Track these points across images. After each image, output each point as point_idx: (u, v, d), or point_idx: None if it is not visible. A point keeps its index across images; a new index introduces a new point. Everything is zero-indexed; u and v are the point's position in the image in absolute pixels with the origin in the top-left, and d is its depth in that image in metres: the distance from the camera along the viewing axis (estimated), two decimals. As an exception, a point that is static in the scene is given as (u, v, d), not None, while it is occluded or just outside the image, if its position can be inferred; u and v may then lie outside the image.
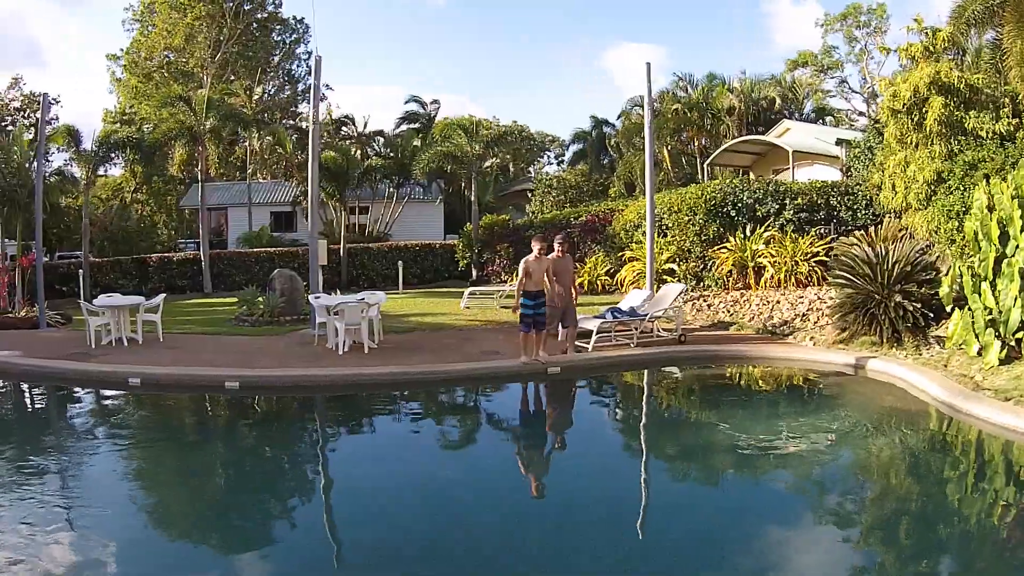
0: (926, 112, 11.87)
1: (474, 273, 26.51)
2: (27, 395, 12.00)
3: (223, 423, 10.37)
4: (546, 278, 12.03)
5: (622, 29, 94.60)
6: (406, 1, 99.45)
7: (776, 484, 7.13)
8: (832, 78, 44.29)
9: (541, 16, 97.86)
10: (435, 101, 38.31)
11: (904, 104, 12.12)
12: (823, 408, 10.05)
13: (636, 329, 13.30)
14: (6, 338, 14.93)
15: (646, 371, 12.39)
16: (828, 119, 38.22)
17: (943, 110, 11.64)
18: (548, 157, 61.16)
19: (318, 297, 14.29)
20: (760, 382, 11.78)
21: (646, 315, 13.50)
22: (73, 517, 6.21)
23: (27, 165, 21.09)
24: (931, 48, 12.58)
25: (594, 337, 12.78)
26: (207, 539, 6.08)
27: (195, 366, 11.93)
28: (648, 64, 16.97)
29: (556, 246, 12.40)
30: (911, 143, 12.49)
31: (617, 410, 10.82)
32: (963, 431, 8.39)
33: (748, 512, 6.30)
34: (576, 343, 12.85)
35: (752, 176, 26.98)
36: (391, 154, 35.38)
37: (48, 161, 25.74)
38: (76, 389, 11.79)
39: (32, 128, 31.36)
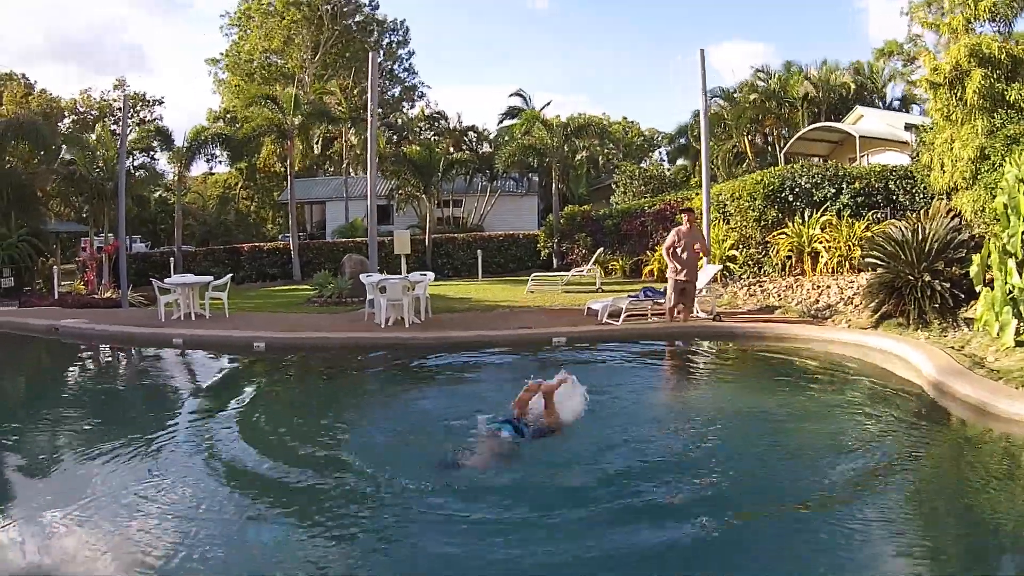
0: (967, 85, 11.34)
1: (555, 262, 26.92)
2: (75, 350, 13.58)
3: (225, 371, 11.62)
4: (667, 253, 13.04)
5: (731, 27, 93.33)
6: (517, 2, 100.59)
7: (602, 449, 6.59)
8: (919, 67, 41.99)
9: (653, 14, 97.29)
10: (548, 103, 38.92)
11: (945, 77, 11.60)
12: (784, 383, 9.40)
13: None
14: (87, 314, 16.28)
15: (632, 344, 12.04)
16: (914, 107, 36.38)
17: (983, 82, 11.07)
18: (661, 153, 61.10)
19: (369, 276, 15.10)
20: (739, 358, 11.64)
21: (677, 295, 13.62)
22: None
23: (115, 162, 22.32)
24: (972, 19, 11.98)
25: (623, 315, 13.05)
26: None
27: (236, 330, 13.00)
28: (702, 51, 17.01)
29: (684, 218, 13.35)
30: (957, 120, 11.95)
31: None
32: (934, 410, 7.69)
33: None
34: (607, 319, 13.15)
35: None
36: (484, 149, 36.23)
37: (150, 158, 27.51)
38: (127, 348, 13.45)
39: (136, 127, 33.82)
